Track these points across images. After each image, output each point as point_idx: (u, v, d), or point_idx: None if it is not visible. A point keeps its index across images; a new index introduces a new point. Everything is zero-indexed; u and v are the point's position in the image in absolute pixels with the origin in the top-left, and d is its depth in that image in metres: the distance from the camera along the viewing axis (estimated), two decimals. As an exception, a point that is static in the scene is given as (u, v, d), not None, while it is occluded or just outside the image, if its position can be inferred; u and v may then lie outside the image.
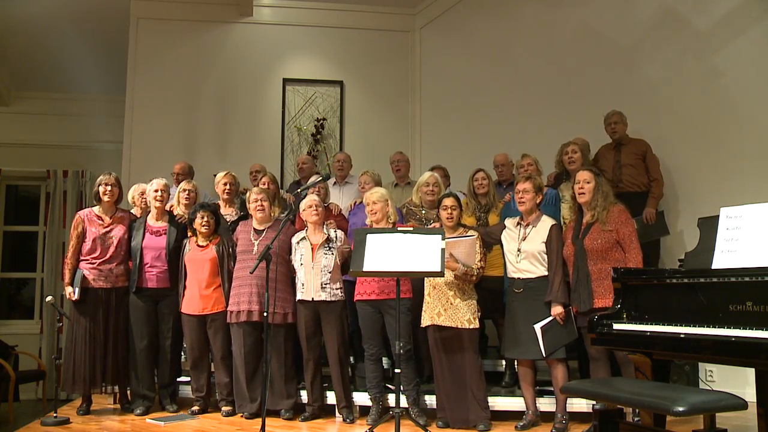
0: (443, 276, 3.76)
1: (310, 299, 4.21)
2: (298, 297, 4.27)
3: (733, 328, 2.45)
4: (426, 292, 4.08)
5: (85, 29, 6.70)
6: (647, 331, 2.77)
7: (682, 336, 2.59)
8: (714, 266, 2.69)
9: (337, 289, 4.25)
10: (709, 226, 2.88)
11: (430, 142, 6.95)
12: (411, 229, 3.88)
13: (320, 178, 4.59)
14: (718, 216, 2.79)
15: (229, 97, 6.88)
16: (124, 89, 6.72)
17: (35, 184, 7.64)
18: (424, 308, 4.08)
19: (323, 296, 4.19)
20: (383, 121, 7.10)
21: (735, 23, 4.94)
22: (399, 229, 3.87)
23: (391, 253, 3.61)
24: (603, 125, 5.07)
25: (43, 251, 7.35)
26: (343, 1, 7.06)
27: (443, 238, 3.66)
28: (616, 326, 2.92)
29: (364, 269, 3.62)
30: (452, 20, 6.98)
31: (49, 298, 4.49)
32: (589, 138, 5.01)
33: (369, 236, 3.70)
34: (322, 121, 6.96)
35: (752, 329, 2.38)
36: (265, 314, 3.66)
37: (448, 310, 3.96)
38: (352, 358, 4.62)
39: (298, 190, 4.71)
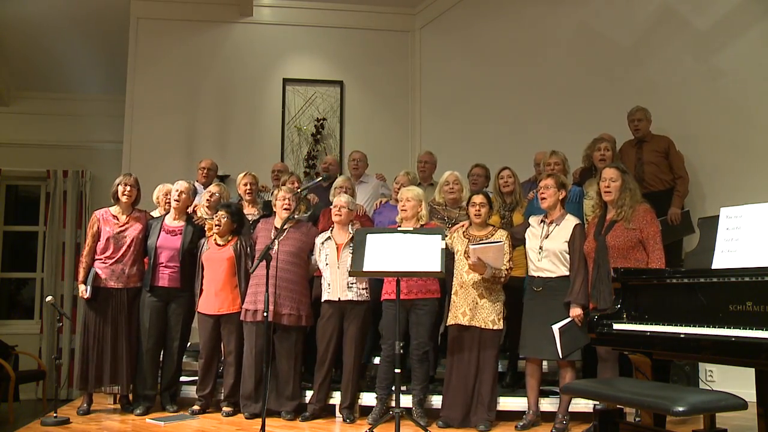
0: (443, 276, 3.75)
1: (337, 299, 4.19)
2: (325, 297, 4.24)
3: (733, 328, 2.44)
4: (453, 291, 4.04)
5: (85, 29, 6.71)
6: (647, 331, 2.76)
7: (682, 336, 2.59)
8: (714, 266, 2.68)
9: (363, 288, 4.22)
10: (709, 226, 2.87)
11: (430, 142, 6.92)
12: (411, 228, 3.88)
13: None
14: (718, 216, 2.78)
15: (229, 97, 6.88)
16: (124, 89, 6.73)
17: (35, 184, 7.63)
18: (450, 307, 4.04)
19: (350, 296, 4.18)
20: (383, 121, 7.10)
21: (735, 23, 4.95)
22: (399, 229, 3.88)
23: (391, 253, 3.60)
24: (603, 125, 5.05)
25: (43, 251, 7.35)
26: (343, 1, 7.06)
27: (443, 238, 3.66)
28: (616, 326, 2.91)
29: (364, 269, 3.62)
30: (452, 20, 6.98)
31: (49, 298, 4.50)
32: (588, 137, 4.99)
33: (369, 236, 3.70)
34: (322, 121, 6.96)
35: (752, 329, 2.37)
36: (265, 314, 3.66)
37: (473, 309, 3.92)
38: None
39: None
